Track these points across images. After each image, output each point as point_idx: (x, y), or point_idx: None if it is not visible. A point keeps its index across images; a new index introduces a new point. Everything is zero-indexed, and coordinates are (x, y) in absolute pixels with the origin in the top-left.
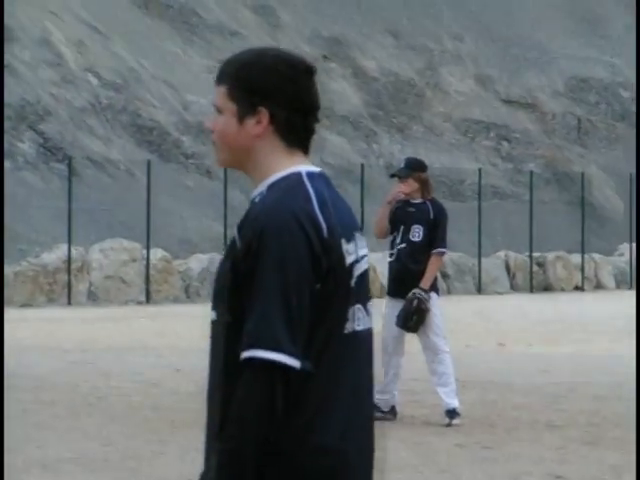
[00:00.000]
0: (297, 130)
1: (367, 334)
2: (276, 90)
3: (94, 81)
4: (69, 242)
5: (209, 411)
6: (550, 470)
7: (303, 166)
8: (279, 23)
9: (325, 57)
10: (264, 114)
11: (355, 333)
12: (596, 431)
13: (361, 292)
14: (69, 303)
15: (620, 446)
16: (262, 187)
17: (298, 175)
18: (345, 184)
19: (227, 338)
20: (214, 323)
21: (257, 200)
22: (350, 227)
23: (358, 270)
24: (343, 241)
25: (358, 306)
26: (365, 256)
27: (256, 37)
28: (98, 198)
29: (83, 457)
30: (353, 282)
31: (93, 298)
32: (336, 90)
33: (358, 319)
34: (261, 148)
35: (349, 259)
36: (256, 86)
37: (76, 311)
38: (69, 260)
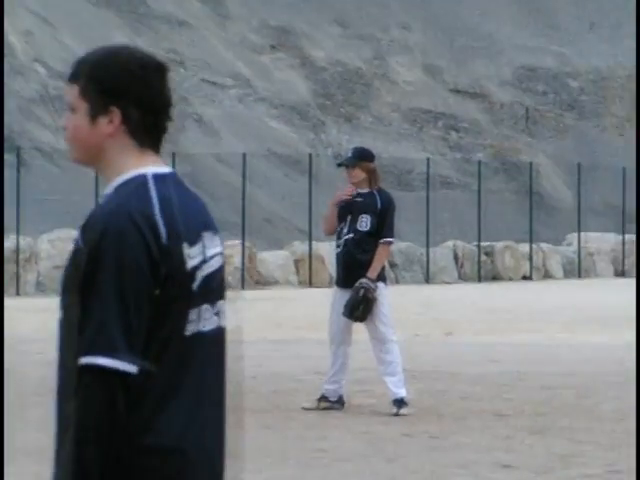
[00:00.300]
0: (148, 130)
1: (216, 334)
2: (127, 90)
3: (42, 71)
4: (17, 232)
5: (58, 413)
6: (498, 459)
7: (152, 167)
8: (227, 13)
9: (273, 47)
10: (116, 114)
11: (200, 334)
12: (544, 420)
13: (209, 293)
14: (17, 293)
15: (568, 435)
16: (110, 188)
17: (144, 177)
18: (293, 174)
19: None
20: (61, 322)
21: (102, 202)
22: (197, 229)
23: (205, 271)
24: (185, 245)
25: (205, 306)
26: (217, 255)
27: (204, 27)
28: (47, 188)
29: (33, 448)
30: (196, 285)
31: (41, 288)
32: (284, 80)
33: (205, 320)
34: (112, 148)
35: (191, 263)
36: (108, 85)
37: (24, 301)
38: (17, 250)
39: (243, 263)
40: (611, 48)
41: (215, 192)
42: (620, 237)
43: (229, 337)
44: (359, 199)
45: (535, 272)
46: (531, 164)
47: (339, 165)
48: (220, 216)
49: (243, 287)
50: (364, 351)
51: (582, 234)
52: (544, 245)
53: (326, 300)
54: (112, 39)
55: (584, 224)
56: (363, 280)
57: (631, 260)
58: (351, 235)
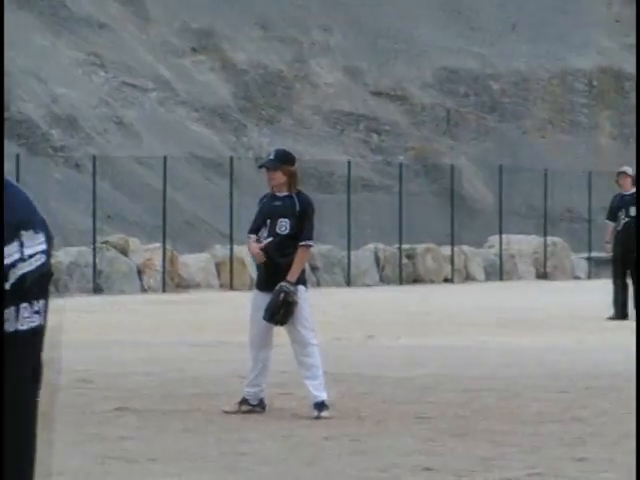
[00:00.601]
0: None
1: (33, 332)
2: None
3: None
4: None
5: None
6: (419, 462)
7: None
8: (148, 15)
9: (194, 49)
10: None
11: (17, 332)
12: (465, 423)
13: (27, 291)
14: None
15: (489, 438)
16: None
17: None
18: (213, 177)
19: None
20: None
21: None
22: (14, 227)
23: (22, 269)
24: None
25: (24, 305)
26: (37, 253)
27: (124, 29)
28: None
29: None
30: (10, 284)
31: None
32: (204, 82)
33: (23, 318)
34: None
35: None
36: None
37: None
38: None
39: (164, 266)
40: (533, 49)
41: (136, 195)
42: (542, 239)
43: (49, 338)
44: (278, 203)
45: (457, 274)
46: (452, 166)
47: (260, 167)
48: (141, 219)
49: (164, 290)
50: (285, 354)
51: (504, 236)
52: (466, 247)
53: (247, 303)
54: (33, 42)
55: (506, 226)
56: (283, 284)
57: (552, 262)
58: (271, 239)
